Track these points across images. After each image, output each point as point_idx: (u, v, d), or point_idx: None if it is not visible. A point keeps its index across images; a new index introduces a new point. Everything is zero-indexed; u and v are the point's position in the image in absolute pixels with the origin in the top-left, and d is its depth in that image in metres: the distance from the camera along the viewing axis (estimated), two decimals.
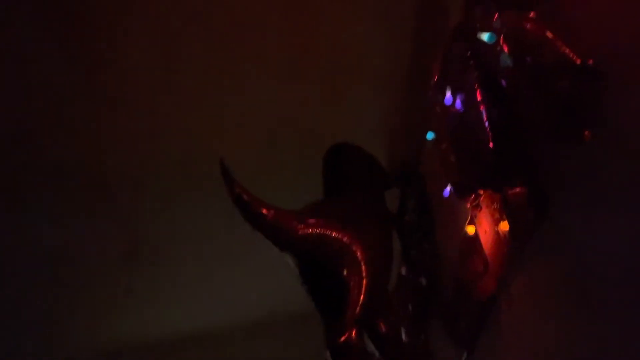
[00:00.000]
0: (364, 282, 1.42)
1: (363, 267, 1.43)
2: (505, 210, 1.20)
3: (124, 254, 2.34)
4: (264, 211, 1.36)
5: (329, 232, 1.42)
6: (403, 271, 2.00)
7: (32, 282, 2.47)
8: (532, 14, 0.92)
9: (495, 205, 1.24)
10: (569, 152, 0.94)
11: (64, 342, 3.02)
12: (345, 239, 1.43)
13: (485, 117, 1.06)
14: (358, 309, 1.40)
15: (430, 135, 1.54)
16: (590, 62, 0.81)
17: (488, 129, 1.02)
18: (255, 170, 1.95)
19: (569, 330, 1.00)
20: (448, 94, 1.17)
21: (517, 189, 1.13)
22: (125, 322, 2.99)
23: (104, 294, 2.69)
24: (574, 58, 0.82)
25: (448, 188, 1.43)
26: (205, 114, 1.80)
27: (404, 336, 1.91)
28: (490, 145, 1.02)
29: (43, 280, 2.50)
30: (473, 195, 1.20)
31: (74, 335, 2.98)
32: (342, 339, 1.36)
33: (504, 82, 1.00)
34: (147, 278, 2.63)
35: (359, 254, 1.45)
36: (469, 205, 1.27)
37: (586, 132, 0.84)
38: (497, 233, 1.26)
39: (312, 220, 1.42)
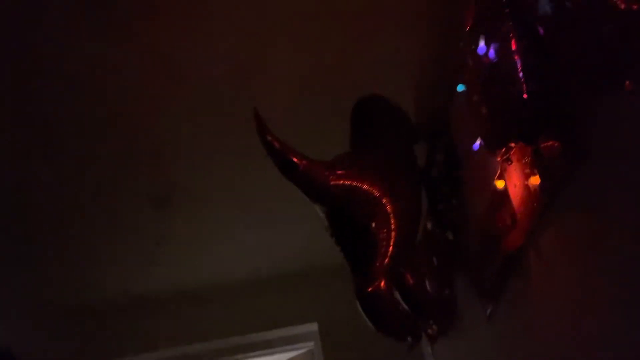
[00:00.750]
0: (393, 234, 1.44)
1: (392, 220, 1.45)
2: (537, 164, 1.18)
3: (156, 201, 2.38)
4: (296, 160, 1.37)
5: (360, 184, 1.42)
6: (429, 225, 2.01)
7: (67, 224, 2.56)
8: None
9: (526, 159, 1.22)
10: (607, 103, 0.91)
11: (96, 287, 3.15)
12: (375, 192, 1.43)
13: (519, 67, 1.03)
14: (387, 260, 1.42)
15: (460, 87, 1.50)
16: (635, 7, 0.78)
17: (522, 80, 0.99)
18: (287, 118, 1.94)
19: (599, 284, 1.00)
20: (481, 43, 1.14)
21: (550, 142, 1.10)
22: (154, 270, 3.09)
23: (134, 241, 2.77)
24: (618, 2, 0.78)
25: (478, 141, 1.41)
26: (238, 60, 1.78)
27: (429, 288, 1.94)
28: (524, 96, 1.00)
29: (75, 223, 2.58)
30: (504, 149, 1.18)
31: (104, 281, 3.10)
32: (371, 288, 1.39)
33: (541, 30, 0.96)
34: (177, 227, 2.70)
35: (388, 207, 1.45)
36: (499, 159, 1.25)
37: (627, 82, 0.81)
38: (527, 187, 1.24)
39: (343, 172, 1.42)
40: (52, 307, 3.18)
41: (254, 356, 3.61)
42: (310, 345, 3.50)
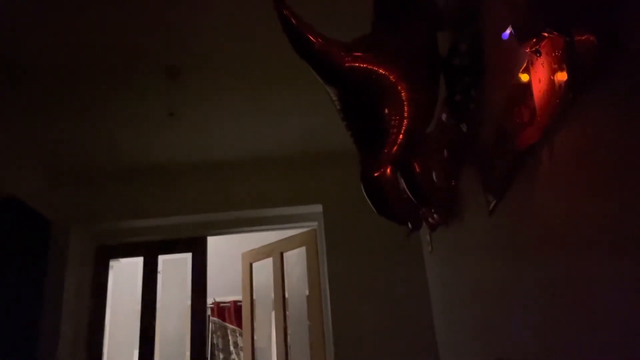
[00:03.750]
0: (405, 122, 1.42)
1: (405, 108, 1.41)
2: (567, 59, 1.12)
3: (169, 70, 2.36)
4: (312, 38, 1.31)
5: (376, 68, 1.37)
6: (444, 116, 1.97)
7: (84, 88, 2.56)
8: None
9: (556, 52, 1.15)
10: None
11: (108, 151, 3.23)
12: (391, 77, 1.38)
13: None
14: (395, 147, 1.41)
15: None
16: None
17: None
18: None
19: (605, 187, 0.99)
20: None
21: (586, 36, 1.03)
22: (167, 139, 3.14)
23: (149, 113, 2.79)
24: None
25: (508, 30, 1.33)
26: None
27: (435, 178, 1.95)
28: None
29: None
30: (535, 39, 1.11)
31: (116, 145, 3.17)
32: (377, 173, 1.40)
33: None
34: (189, 100, 2.69)
35: (403, 93, 1.42)
36: (527, 50, 1.18)
37: None
38: (552, 83, 1.19)
39: (360, 54, 1.37)
40: (64, 166, 3.29)
41: (260, 230, 3.79)
42: (314, 224, 3.65)
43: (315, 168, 3.50)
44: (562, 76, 1.16)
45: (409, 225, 2.02)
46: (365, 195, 1.46)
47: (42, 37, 2.14)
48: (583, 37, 1.04)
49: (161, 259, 3.70)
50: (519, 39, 1.14)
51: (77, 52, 2.26)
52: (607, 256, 1.00)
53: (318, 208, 3.51)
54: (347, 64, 1.34)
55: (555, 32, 1.04)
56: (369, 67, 1.36)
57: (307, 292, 3.67)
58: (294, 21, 1.29)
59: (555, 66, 1.17)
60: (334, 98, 1.44)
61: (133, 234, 3.65)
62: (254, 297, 4.14)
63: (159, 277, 3.67)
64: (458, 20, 1.84)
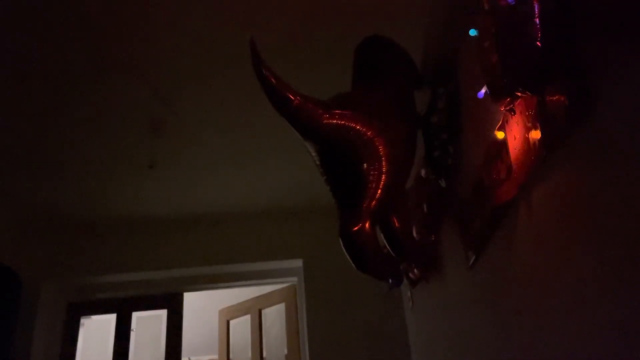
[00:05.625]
0: (383, 177, 1.43)
1: (384, 163, 1.43)
2: (540, 118, 1.16)
3: (152, 123, 2.36)
4: (291, 96, 1.34)
5: (353, 124, 1.40)
6: (423, 172, 2.00)
7: (67, 140, 2.54)
8: None
9: (530, 111, 1.19)
10: (622, 55, 0.88)
11: (89, 204, 3.17)
12: (369, 133, 1.41)
13: (537, 13, 0.98)
14: (374, 202, 1.42)
15: (473, 32, 1.45)
16: None
17: (538, 25, 0.95)
18: (286, 53, 1.88)
19: (583, 242, 1.00)
20: None
21: (557, 96, 1.07)
22: (146, 194, 3.11)
23: (128, 164, 2.76)
24: None
25: (483, 90, 1.38)
26: None
27: (415, 233, 1.95)
28: (538, 44, 0.96)
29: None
30: (509, 98, 1.15)
31: (98, 198, 3.12)
32: (355, 228, 1.39)
33: None
34: (170, 153, 2.69)
35: (381, 149, 1.44)
36: (502, 109, 1.22)
37: None
38: (526, 140, 1.22)
39: (338, 111, 1.39)
40: (35, 218, 3.22)
41: (238, 286, 3.71)
42: (294, 280, 3.59)
43: (295, 222, 3.49)
44: (535, 134, 1.19)
45: (389, 280, 2.00)
46: (344, 251, 1.45)
47: (22, 78, 2.12)
48: (554, 98, 1.08)
49: (135, 315, 3.57)
50: (494, 97, 1.18)
51: (53, 98, 2.24)
52: (587, 306, 0.99)
53: (298, 263, 3.46)
54: (324, 121, 1.37)
55: (528, 92, 1.07)
56: (347, 124, 1.39)
57: (285, 352, 3.55)
58: (273, 80, 1.32)
59: (529, 124, 1.21)
60: (313, 153, 1.45)
61: (106, 289, 3.53)
62: (231, 356, 3.99)
63: (132, 334, 3.53)
64: (435, 80, 1.90)
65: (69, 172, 2.82)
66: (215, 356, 4.35)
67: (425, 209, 2.03)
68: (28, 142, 2.53)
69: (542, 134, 1.15)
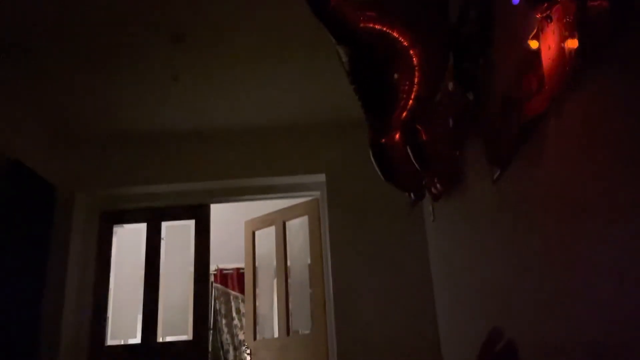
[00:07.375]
0: (415, 88, 1.41)
1: (417, 73, 1.41)
2: (579, 25, 1.11)
3: (174, 35, 2.34)
4: None
5: (390, 30, 1.35)
6: (451, 85, 1.96)
7: (91, 53, 2.54)
8: None
9: (568, 18, 1.14)
10: None
11: (113, 116, 3.22)
12: (405, 41, 1.37)
13: None
14: (405, 113, 1.41)
15: None
16: None
17: None
18: None
19: (610, 157, 1.00)
20: None
21: (598, 1, 1.02)
22: (171, 106, 3.13)
23: (151, 77, 2.77)
24: None
25: None
26: None
27: (440, 147, 1.96)
28: None
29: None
30: (546, 4, 1.10)
31: (121, 111, 3.16)
32: (385, 139, 1.40)
33: None
34: (193, 66, 2.67)
35: (415, 59, 1.41)
36: (538, 15, 1.17)
37: None
38: (562, 50, 1.18)
39: (376, 14, 1.34)
40: (68, 131, 3.30)
41: (262, 198, 3.81)
42: (317, 194, 3.67)
43: (318, 137, 3.51)
44: (572, 43, 1.15)
45: (412, 195, 2.03)
46: (373, 160, 1.47)
47: (47, 3, 2.11)
48: (596, 3, 1.03)
49: (164, 225, 3.73)
50: (530, 3, 1.13)
51: (82, 18, 2.23)
52: (608, 220, 1.01)
53: (321, 177, 3.52)
54: (361, 24, 1.32)
55: None
56: (384, 28, 1.35)
57: (309, 261, 3.71)
58: None
59: (566, 33, 1.16)
60: (345, 59, 1.42)
61: (136, 200, 3.67)
62: (257, 264, 4.19)
63: (163, 243, 3.71)
64: None
65: (98, 86, 2.85)
66: (242, 264, 4.58)
67: (451, 123, 2.02)
68: (59, 58, 2.54)
69: (579, 42, 1.10)
